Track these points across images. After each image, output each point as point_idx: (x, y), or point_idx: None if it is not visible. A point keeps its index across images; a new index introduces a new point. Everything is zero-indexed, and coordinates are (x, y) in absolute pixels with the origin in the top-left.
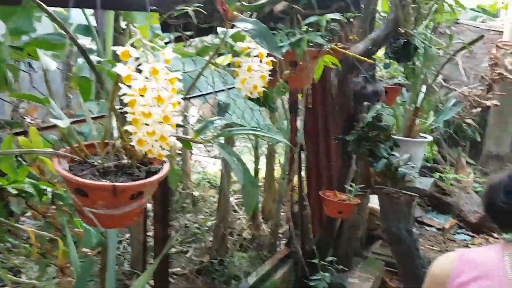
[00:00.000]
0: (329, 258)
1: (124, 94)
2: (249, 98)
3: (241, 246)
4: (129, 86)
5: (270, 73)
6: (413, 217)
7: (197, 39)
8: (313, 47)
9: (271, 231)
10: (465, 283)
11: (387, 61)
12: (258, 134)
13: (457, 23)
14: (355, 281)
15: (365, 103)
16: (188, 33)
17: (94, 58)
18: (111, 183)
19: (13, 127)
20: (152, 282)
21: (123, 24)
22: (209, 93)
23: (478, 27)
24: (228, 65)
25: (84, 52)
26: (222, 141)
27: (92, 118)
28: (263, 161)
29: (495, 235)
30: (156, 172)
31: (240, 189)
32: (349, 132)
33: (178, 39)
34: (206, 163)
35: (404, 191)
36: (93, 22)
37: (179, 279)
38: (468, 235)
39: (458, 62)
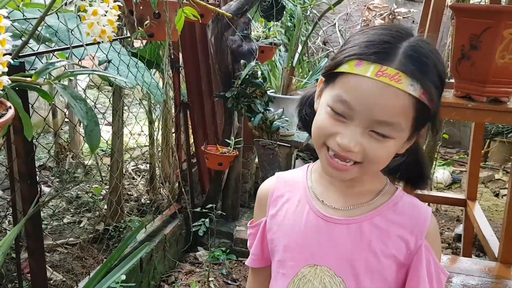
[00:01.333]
0: (209, 205)
1: None
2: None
3: (138, 211)
4: None
5: (119, 19)
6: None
7: None
8: None
9: (168, 193)
10: (280, 196)
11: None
12: (101, 74)
13: None
14: (241, 228)
15: (242, 61)
16: None
17: None
18: None
19: None
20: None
21: None
22: (66, 48)
23: None
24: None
25: None
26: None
27: None
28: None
29: None
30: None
31: (139, 155)
32: (229, 89)
33: None
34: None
35: (279, 143)
36: None
37: (72, 249)
38: None
39: (336, 24)
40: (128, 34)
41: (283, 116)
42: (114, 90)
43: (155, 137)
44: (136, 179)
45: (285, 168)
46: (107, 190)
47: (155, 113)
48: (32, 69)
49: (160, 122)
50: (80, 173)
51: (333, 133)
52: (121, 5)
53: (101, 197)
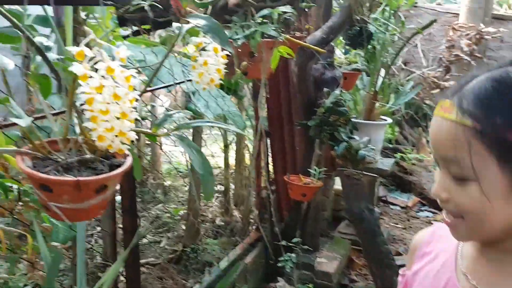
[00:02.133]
0: (295, 240)
1: (82, 93)
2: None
3: (213, 232)
4: (87, 84)
5: (226, 66)
6: (377, 197)
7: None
8: (270, 38)
9: (242, 216)
10: (428, 252)
11: (347, 47)
12: (214, 125)
13: (415, 6)
14: (322, 260)
15: (325, 89)
16: (146, 27)
17: (52, 56)
18: (74, 178)
19: None
20: (124, 273)
21: (82, 14)
22: (171, 85)
23: (435, 10)
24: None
25: (40, 51)
26: (188, 135)
27: (55, 114)
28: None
29: None
30: (119, 166)
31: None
32: (311, 118)
33: (136, 33)
34: (176, 153)
35: (364, 172)
36: (52, 13)
37: (153, 269)
38: (431, 211)
39: (417, 45)
40: None
41: (369, 145)
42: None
43: (229, 160)
44: (211, 200)
45: (370, 197)
46: (185, 211)
47: (230, 137)
48: None
49: (235, 147)
50: (159, 193)
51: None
52: (230, 54)
53: (179, 217)
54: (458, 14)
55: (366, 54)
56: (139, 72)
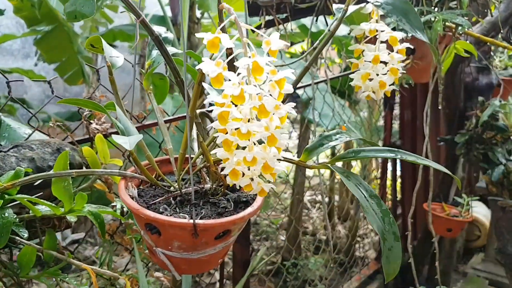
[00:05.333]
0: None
1: (210, 104)
2: (332, 91)
3: (315, 247)
4: (220, 91)
5: (403, 64)
6: None
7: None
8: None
9: (347, 233)
10: None
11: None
12: (398, 156)
13: None
14: None
15: (480, 98)
16: (282, 15)
17: (170, 49)
18: (190, 221)
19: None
20: None
21: (198, 13)
22: (298, 87)
23: None
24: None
25: (157, 39)
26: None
27: (169, 121)
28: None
29: None
30: (247, 202)
31: (314, 185)
32: (457, 132)
33: (268, 24)
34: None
35: None
36: (168, 13)
37: (250, 280)
38: None
39: None
40: None
41: None
42: (301, 120)
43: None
44: (312, 211)
45: None
46: (284, 220)
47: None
48: None
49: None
50: None
51: None
52: (412, 46)
53: (278, 226)
54: None
55: None
56: None
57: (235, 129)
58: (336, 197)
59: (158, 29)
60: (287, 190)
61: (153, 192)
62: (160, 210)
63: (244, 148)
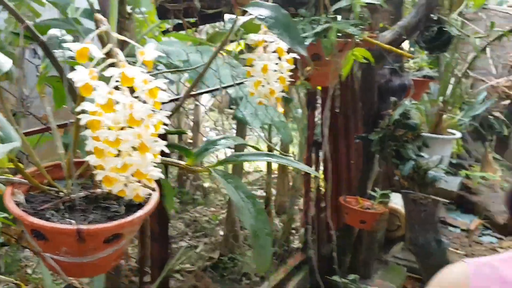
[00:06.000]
0: (352, 276)
1: (82, 112)
2: None
3: None
4: (91, 100)
5: (291, 73)
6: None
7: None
8: (340, 37)
9: (284, 225)
10: None
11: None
12: (274, 160)
13: (484, 8)
14: None
15: (392, 98)
16: (190, 20)
17: (58, 53)
18: (75, 227)
19: None
20: None
21: (128, 8)
22: (216, 89)
23: (507, 13)
24: (241, 52)
25: (42, 44)
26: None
27: (62, 126)
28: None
29: None
30: (140, 205)
31: (254, 180)
32: (372, 131)
33: (178, 27)
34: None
35: (433, 197)
36: (97, 6)
37: (188, 276)
38: (495, 237)
39: (486, 50)
40: None
41: (440, 165)
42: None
43: (272, 165)
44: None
45: (436, 224)
46: (224, 216)
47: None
48: None
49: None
50: (199, 195)
51: None
52: (298, 57)
53: (217, 222)
54: None
55: (437, 60)
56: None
57: (105, 137)
58: (274, 192)
59: (55, 32)
60: None
61: (43, 198)
62: (47, 216)
63: (117, 156)
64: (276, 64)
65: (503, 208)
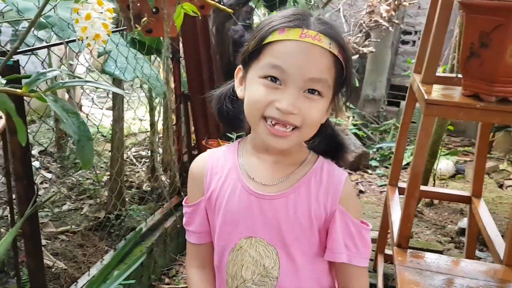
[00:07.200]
0: None
1: None
2: (133, 45)
3: (140, 198)
4: None
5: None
6: None
7: None
8: None
9: (170, 181)
10: (215, 173)
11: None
12: (92, 85)
13: None
14: None
15: None
16: None
17: None
18: None
19: None
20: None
21: None
22: (59, 43)
23: None
24: None
25: None
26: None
27: None
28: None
29: (369, 171)
30: None
31: (140, 141)
32: (230, 79)
33: None
34: (99, 115)
35: None
36: None
37: (73, 237)
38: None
39: (340, 9)
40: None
41: None
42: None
43: (155, 124)
44: (137, 166)
45: None
46: (108, 177)
47: (155, 99)
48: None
49: (161, 110)
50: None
51: (271, 101)
52: (115, 7)
53: (103, 183)
54: None
55: None
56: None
57: None
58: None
59: None
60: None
61: None
62: None
63: None
64: (100, 13)
65: (352, 148)
